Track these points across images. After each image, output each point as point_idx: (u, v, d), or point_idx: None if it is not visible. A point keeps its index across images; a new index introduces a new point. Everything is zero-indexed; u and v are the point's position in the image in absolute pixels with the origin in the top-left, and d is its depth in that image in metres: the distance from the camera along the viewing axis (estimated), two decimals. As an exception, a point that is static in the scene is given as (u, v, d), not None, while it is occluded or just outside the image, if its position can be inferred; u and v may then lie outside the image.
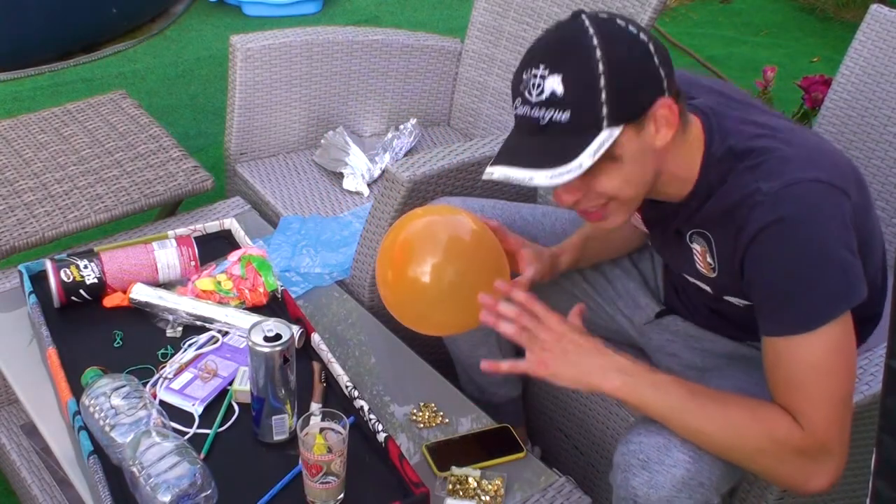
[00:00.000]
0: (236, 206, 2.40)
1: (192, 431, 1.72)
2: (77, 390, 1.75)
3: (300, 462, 1.60)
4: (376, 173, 2.60)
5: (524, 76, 1.40)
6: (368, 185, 2.58)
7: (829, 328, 1.39)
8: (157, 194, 2.40)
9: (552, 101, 1.37)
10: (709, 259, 1.55)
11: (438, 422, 1.80)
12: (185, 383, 1.81)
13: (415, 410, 1.83)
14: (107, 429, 1.63)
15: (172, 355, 1.88)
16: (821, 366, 1.40)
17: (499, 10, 2.66)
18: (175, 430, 1.68)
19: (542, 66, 1.37)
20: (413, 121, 2.75)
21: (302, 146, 2.75)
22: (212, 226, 2.22)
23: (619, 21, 1.39)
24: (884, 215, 2.11)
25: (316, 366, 1.85)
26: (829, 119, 2.21)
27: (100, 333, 1.93)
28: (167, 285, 2.03)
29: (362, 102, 2.77)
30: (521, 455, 1.74)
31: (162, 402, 1.77)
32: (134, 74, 3.94)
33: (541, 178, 1.38)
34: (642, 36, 1.39)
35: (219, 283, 2.01)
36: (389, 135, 2.71)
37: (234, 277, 2.02)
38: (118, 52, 4.09)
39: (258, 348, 1.62)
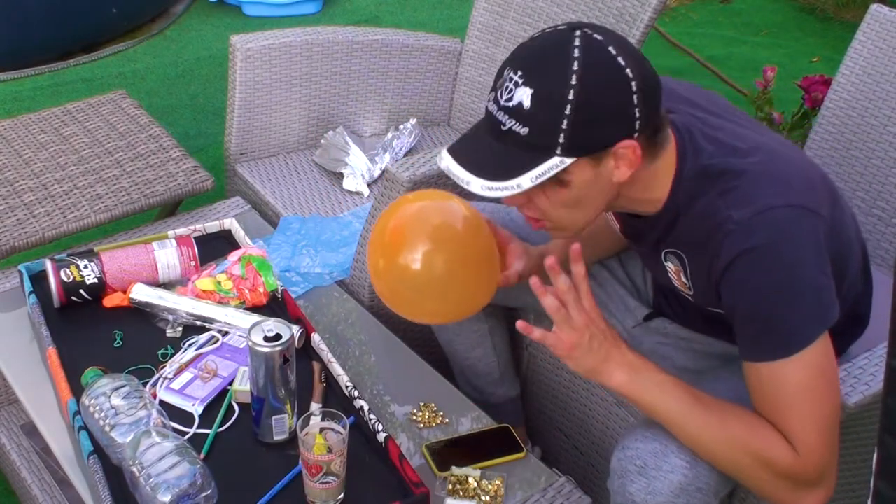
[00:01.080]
0: (236, 206, 2.39)
1: (192, 431, 1.72)
2: (77, 390, 1.74)
3: (300, 462, 1.60)
4: (376, 173, 2.60)
5: (504, 73, 1.38)
6: (368, 185, 2.58)
7: (808, 351, 1.39)
8: (157, 194, 2.40)
9: (516, 112, 1.35)
10: (683, 279, 1.55)
11: (438, 422, 1.80)
12: (185, 383, 1.81)
13: (415, 410, 1.83)
14: (107, 429, 1.62)
15: (172, 355, 1.88)
16: (805, 388, 1.40)
17: (499, 10, 2.66)
18: (175, 430, 1.68)
19: (519, 73, 1.35)
20: (413, 121, 2.75)
21: (302, 146, 2.74)
22: (212, 226, 2.21)
23: (610, 48, 1.34)
24: (884, 215, 2.11)
25: (316, 366, 1.85)
26: (828, 119, 2.20)
27: (100, 333, 1.93)
28: (167, 285, 2.03)
29: (362, 102, 2.77)
30: (521, 455, 1.74)
31: (162, 402, 1.77)
32: (134, 74, 3.94)
33: (476, 185, 1.38)
34: (629, 71, 1.34)
35: (219, 283, 2.01)
36: (389, 135, 2.71)
37: (234, 277, 2.02)
38: (118, 52, 4.09)
39: (258, 348, 1.62)
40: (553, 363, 2.08)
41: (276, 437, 1.70)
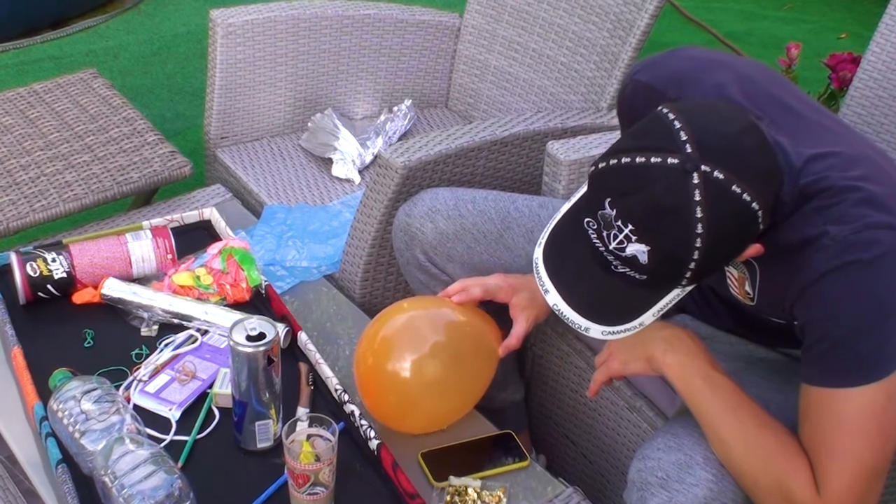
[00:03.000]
0: (217, 195, 2.39)
1: (168, 438, 1.72)
2: (44, 394, 1.74)
3: (286, 471, 1.60)
4: (368, 159, 2.60)
5: (606, 210, 1.33)
6: (359, 171, 2.57)
7: (872, 388, 1.37)
8: (131, 182, 2.40)
9: (631, 262, 1.34)
10: (747, 288, 1.54)
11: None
12: (161, 386, 1.81)
13: (410, 415, 1.83)
14: (76, 435, 1.62)
15: (147, 356, 1.88)
16: (854, 428, 1.38)
17: (501, -17, 2.66)
18: (150, 437, 1.68)
19: (630, 227, 1.31)
20: (408, 102, 2.75)
21: (288, 130, 2.74)
22: (190, 216, 2.21)
23: (735, 187, 1.30)
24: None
25: (303, 367, 1.85)
26: (857, 100, 2.20)
27: (69, 332, 1.93)
28: (142, 280, 2.03)
29: (353, 82, 2.77)
30: (524, 464, 1.74)
31: (136, 407, 1.77)
32: (106, 52, 3.93)
33: (596, 332, 1.43)
34: (755, 205, 1.31)
35: (198, 277, 2.01)
36: (382, 117, 2.71)
37: (214, 272, 2.02)
38: (89, 28, 4.08)
39: (240, 348, 1.62)
40: (560, 364, 2.08)
41: (260, 445, 1.70)
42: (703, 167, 1.29)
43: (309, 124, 2.69)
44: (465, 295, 1.77)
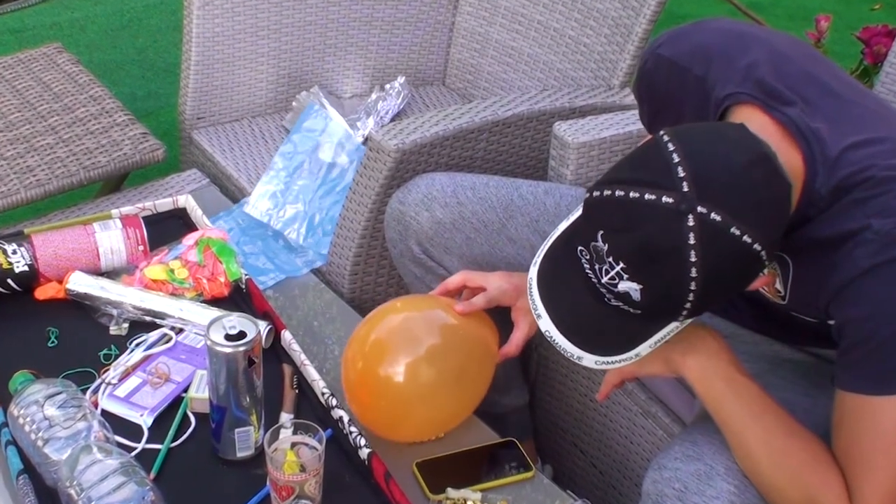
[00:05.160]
0: (192, 181, 2.39)
1: (140, 447, 1.72)
2: (4, 398, 1.74)
3: (268, 483, 1.60)
4: (358, 141, 2.60)
5: (598, 241, 1.35)
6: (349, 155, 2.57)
7: None
8: (99, 166, 2.40)
9: (625, 298, 1.36)
10: (778, 286, 1.54)
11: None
12: (131, 390, 1.81)
13: (404, 422, 1.83)
14: (39, 443, 1.62)
15: (117, 357, 1.88)
16: (893, 437, 1.38)
17: (503, -52, 2.66)
18: (120, 446, 1.68)
19: (621, 265, 1.33)
20: (401, 79, 2.74)
21: (270, 109, 2.74)
22: (163, 203, 2.21)
23: (734, 230, 1.30)
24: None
25: (287, 369, 1.85)
26: (892, 77, 2.20)
27: (31, 331, 1.93)
28: (111, 274, 2.03)
29: (341, 58, 2.77)
30: (529, 475, 1.74)
31: (104, 413, 1.76)
32: (71, 24, 3.93)
33: (589, 361, 1.46)
34: (757, 245, 1.31)
35: (172, 271, 2.01)
36: (373, 96, 2.71)
37: (189, 264, 2.02)
38: (53, -2, 4.09)
39: (218, 348, 1.61)
40: (568, 366, 2.08)
41: (240, 454, 1.70)
42: (699, 209, 1.29)
43: (293, 103, 2.69)
44: (469, 306, 1.77)
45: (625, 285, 1.34)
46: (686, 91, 1.53)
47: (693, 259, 1.30)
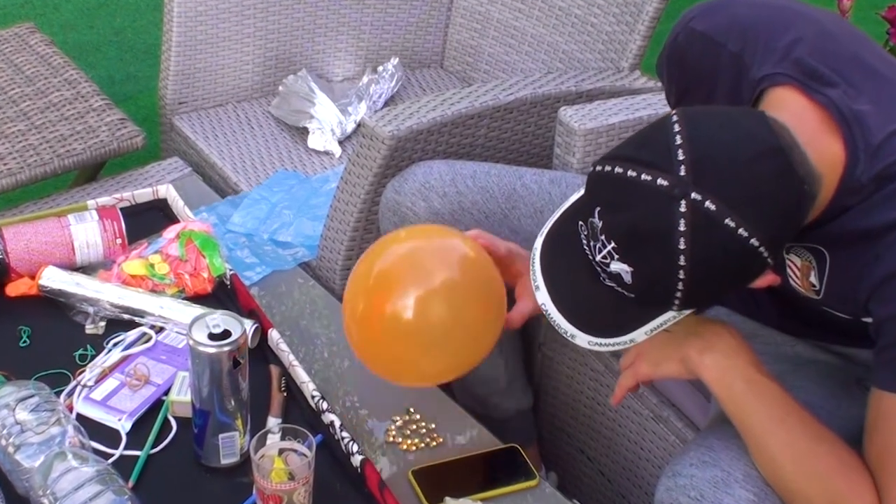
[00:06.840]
0: (174, 169, 2.39)
1: (118, 453, 1.72)
2: (-27, 401, 1.74)
3: (254, 492, 1.60)
4: (349, 128, 2.60)
5: (595, 216, 1.36)
6: (340, 142, 2.58)
7: None
8: (74, 154, 2.39)
9: (618, 280, 1.37)
10: (812, 279, 1.53)
11: (429, 441, 1.80)
12: (108, 393, 1.81)
13: (399, 426, 1.82)
14: (10, 449, 1.62)
15: (93, 357, 1.88)
16: None
17: (504, -78, 2.66)
18: (96, 452, 1.68)
19: (612, 242, 1.35)
20: (395, 61, 2.74)
21: (256, 94, 2.74)
22: (143, 194, 2.21)
23: (728, 221, 1.30)
24: None
25: (274, 370, 1.85)
26: (920, 59, 2.20)
27: (1, 330, 1.93)
28: (87, 269, 2.03)
29: (332, 38, 2.77)
30: (532, 483, 1.74)
31: (80, 417, 1.76)
32: (45, 3, 3.93)
33: (583, 341, 1.47)
34: (754, 241, 1.31)
35: (152, 265, 2.01)
36: (366, 79, 2.71)
37: (170, 259, 2.02)
38: (24, -25, 4.08)
39: (201, 348, 1.61)
40: (574, 367, 2.08)
41: (224, 461, 1.70)
42: (693, 195, 1.29)
43: (280, 88, 2.69)
44: (488, 240, 1.74)
45: (616, 266, 1.35)
46: (719, 69, 1.51)
47: (682, 246, 1.30)
